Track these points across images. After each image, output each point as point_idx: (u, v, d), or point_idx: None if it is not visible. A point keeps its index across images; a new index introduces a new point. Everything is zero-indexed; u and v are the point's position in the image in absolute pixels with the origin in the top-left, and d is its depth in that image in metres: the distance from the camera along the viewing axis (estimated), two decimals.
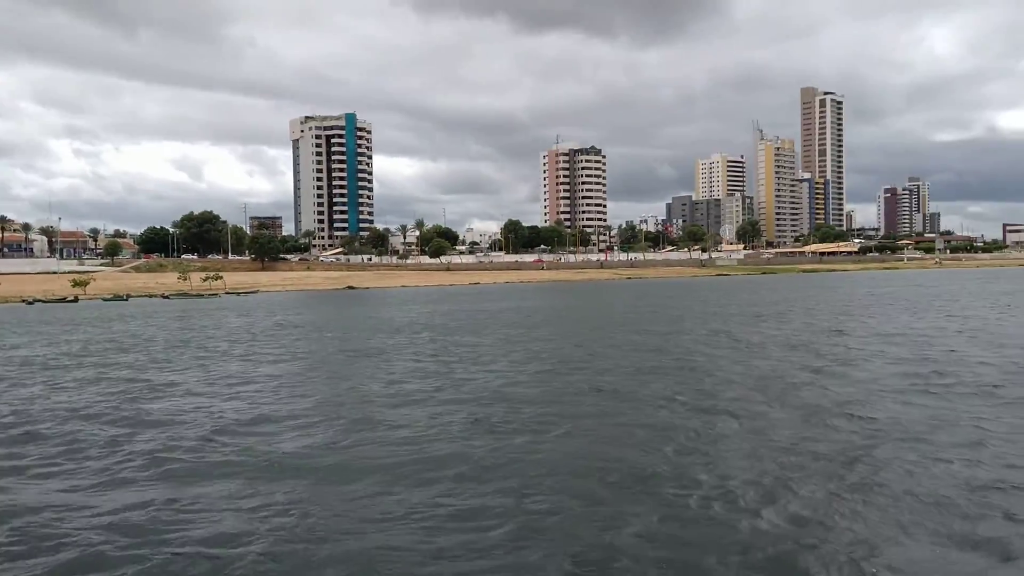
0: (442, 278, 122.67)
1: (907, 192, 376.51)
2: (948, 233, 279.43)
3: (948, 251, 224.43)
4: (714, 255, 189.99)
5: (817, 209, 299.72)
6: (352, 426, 13.45)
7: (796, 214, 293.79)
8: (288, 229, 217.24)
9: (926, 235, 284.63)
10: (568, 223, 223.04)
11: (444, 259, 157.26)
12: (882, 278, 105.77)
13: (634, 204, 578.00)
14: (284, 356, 25.02)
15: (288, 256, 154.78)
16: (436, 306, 54.71)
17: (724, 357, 22.15)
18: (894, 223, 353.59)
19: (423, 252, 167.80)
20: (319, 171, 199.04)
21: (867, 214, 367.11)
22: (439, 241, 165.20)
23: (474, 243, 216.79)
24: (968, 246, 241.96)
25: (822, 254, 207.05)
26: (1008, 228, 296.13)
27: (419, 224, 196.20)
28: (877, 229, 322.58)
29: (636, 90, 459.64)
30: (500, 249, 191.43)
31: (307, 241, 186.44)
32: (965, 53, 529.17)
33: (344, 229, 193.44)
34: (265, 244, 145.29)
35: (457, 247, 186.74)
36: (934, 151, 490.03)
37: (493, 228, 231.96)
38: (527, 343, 27.50)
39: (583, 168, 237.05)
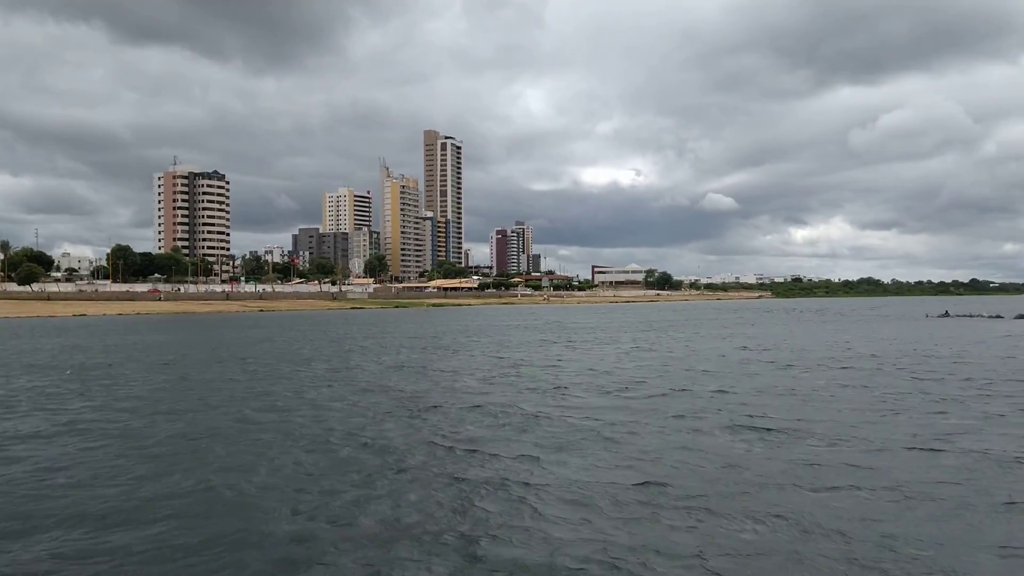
0: (38, 308, 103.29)
1: (515, 234, 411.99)
2: (551, 272, 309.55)
3: (552, 288, 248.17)
4: (345, 288, 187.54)
5: (439, 246, 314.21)
6: None
7: (420, 250, 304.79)
8: None
9: (533, 274, 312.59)
10: (187, 251, 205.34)
11: (37, 287, 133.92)
12: (512, 311, 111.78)
13: (253, 234, 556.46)
14: None
15: None
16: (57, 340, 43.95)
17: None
18: (504, 262, 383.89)
19: (9, 279, 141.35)
20: None
21: (482, 253, 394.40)
22: (30, 266, 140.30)
23: (72, 269, 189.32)
24: (567, 284, 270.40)
25: (446, 289, 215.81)
26: (596, 269, 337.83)
27: (4, 246, 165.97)
28: (491, 267, 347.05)
29: (252, 118, 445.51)
30: (105, 277, 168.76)
31: None
32: (554, 113, 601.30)
33: None
34: None
35: (52, 274, 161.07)
36: (532, 198, 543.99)
37: (89, 253, 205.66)
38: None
39: (204, 193, 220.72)
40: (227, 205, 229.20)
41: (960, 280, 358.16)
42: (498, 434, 13.55)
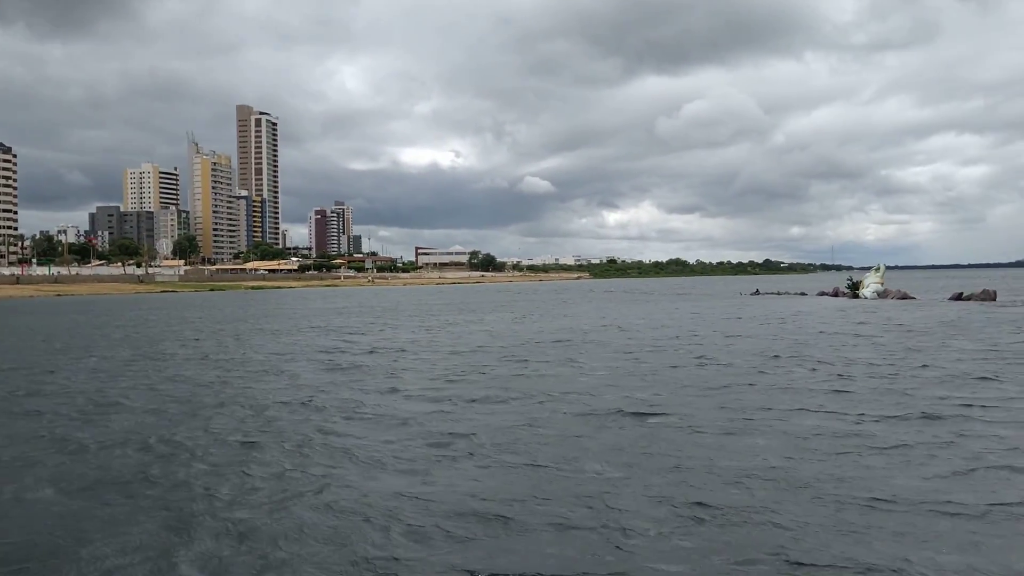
0: None
1: (334, 215, 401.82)
2: (374, 254, 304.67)
3: (376, 270, 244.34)
4: (153, 270, 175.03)
5: (255, 227, 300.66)
6: None
7: (234, 231, 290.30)
8: None
9: (355, 255, 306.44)
10: None
11: None
12: (336, 294, 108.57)
13: (43, 212, 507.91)
14: None
15: None
16: None
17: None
18: (324, 243, 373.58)
19: None
20: None
21: (300, 234, 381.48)
22: None
23: None
24: (392, 266, 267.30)
25: (265, 271, 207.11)
26: (420, 251, 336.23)
27: None
28: (310, 248, 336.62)
29: (39, 85, 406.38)
30: None
31: None
32: (371, 92, 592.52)
33: None
34: None
35: None
36: (351, 178, 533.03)
37: None
38: None
39: None
40: (14, 181, 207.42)
41: (755, 261, 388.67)
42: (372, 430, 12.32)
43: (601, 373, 18.33)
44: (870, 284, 61.34)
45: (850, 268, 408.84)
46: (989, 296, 53.19)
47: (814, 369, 18.34)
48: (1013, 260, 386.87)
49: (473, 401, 14.52)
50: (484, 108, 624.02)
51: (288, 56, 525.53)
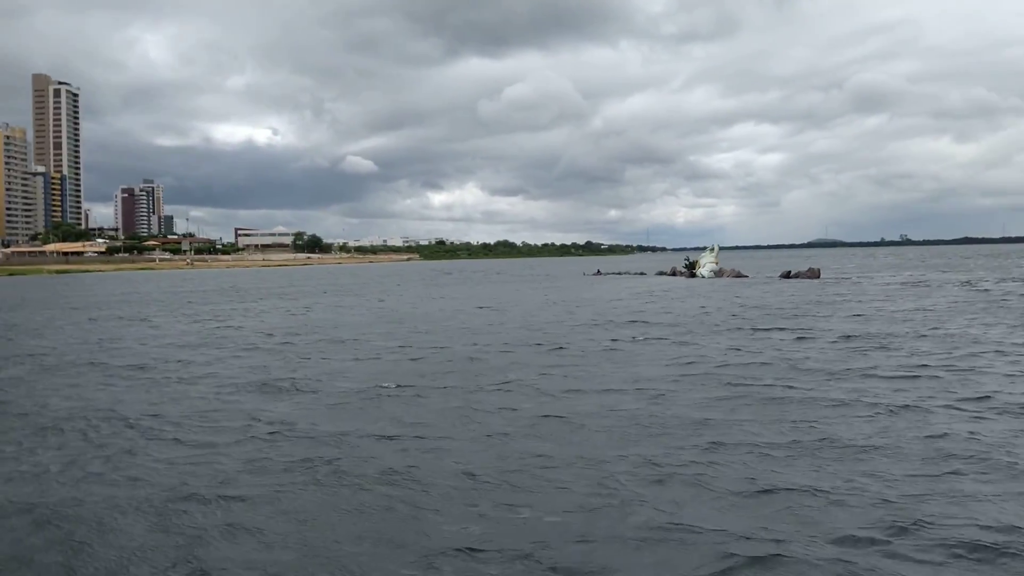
0: None
1: (143, 193, 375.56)
2: (191, 235, 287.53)
3: (194, 252, 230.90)
4: None
5: (54, 206, 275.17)
6: None
7: (30, 210, 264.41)
8: None
9: (170, 236, 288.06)
10: None
11: None
12: (160, 277, 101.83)
13: None
14: None
15: None
16: None
17: None
18: (132, 224, 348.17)
19: None
20: None
21: (105, 214, 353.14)
22: None
23: None
24: (211, 248, 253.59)
25: (67, 254, 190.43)
26: (240, 232, 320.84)
27: None
28: (116, 229, 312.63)
29: None
30: None
31: None
32: (178, 63, 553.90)
33: None
34: None
35: None
36: (158, 155, 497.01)
37: None
38: None
39: None
40: None
41: (578, 242, 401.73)
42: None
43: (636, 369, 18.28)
44: (706, 264, 65.06)
45: (664, 249, 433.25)
46: (814, 274, 58.01)
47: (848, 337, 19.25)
48: (805, 241, 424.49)
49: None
50: (302, 85, 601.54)
51: (83, 21, 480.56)
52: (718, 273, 63.27)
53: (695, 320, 25.87)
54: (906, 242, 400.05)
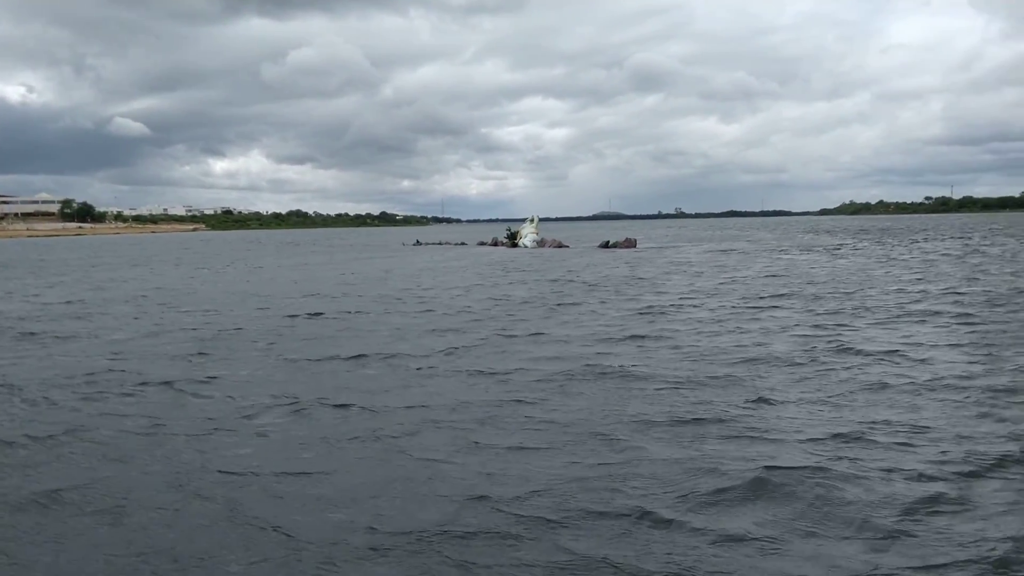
0: None
1: None
2: None
3: None
4: None
5: None
6: None
7: None
8: None
9: None
10: None
11: None
12: None
13: None
14: None
15: None
16: None
17: None
18: None
19: None
20: None
21: None
22: None
23: None
24: None
25: None
26: None
27: None
28: None
29: None
30: None
31: None
32: None
33: None
34: None
35: None
36: None
37: None
38: None
39: None
40: None
41: (372, 213, 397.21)
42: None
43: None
44: (528, 234, 67.57)
45: (459, 221, 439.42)
46: (631, 244, 62.11)
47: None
48: (591, 214, 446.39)
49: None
50: (60, 38, 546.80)
51: None
52: (540, 243, 65.89)
53: (619, 283, 27.35)
54: (680, 215, 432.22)
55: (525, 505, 6.36)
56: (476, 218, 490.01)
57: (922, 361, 12.16)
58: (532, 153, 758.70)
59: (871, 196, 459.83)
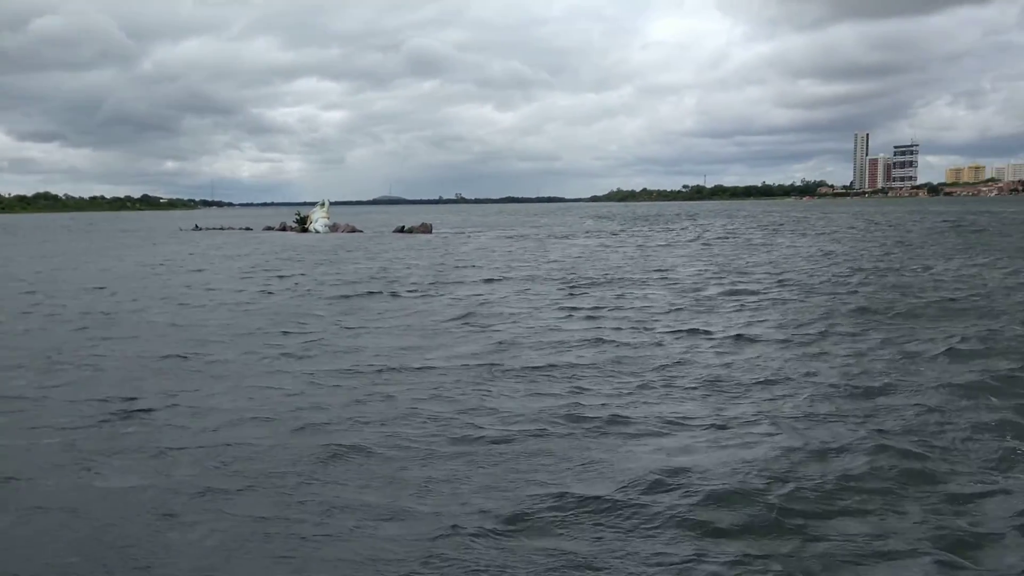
0: None
1: None
2: None
3: None
4: None
5: None
6: None
7: None
8: None
9: None
10: None
11: None
12: None
13: None
14: None
15: None
16: None
17: None
18: None
19: None
20: None
21: None
22: None
23: None
24: None
25: None
26: None
27: None
28: None
29: None
30: None
31: None
32: None
33: None
34: None
35: None
36: None
37: None
38: None
39: None
40: None
41: (133, 196, 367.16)
42: None
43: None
44: (319, 219, 65.35)
45: (231, 205, 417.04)
46: (427, 229, 61.95)
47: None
48: (371, 198, 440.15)
49: None
50: None
51: None
52: (332, 228, 64.08)
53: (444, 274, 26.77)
54: (461, 200, 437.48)
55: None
56: (250, 202, 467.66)
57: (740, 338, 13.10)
58: (308, 135, 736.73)
59: (636, 184, 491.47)
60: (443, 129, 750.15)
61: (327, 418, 8.44)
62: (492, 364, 11.03)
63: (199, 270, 28.97)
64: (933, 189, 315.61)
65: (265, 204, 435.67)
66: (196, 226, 77.88)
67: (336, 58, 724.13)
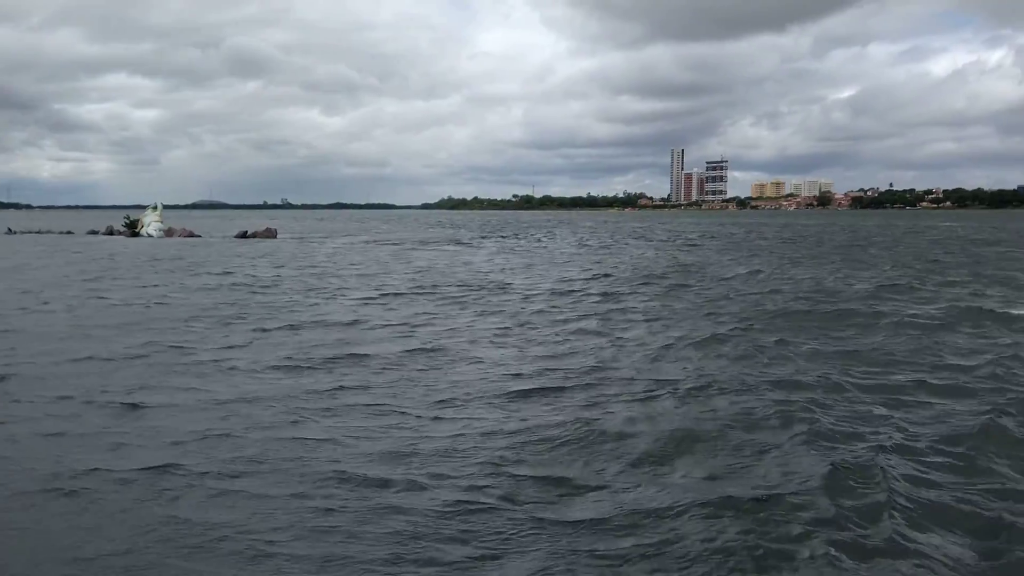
0: None
1: None
2: None
3: None
4: None
5: None
6: None
7: None
8: None
9: None
10: None
11: None
12: None
13: None
14: None
15: None
16: None
17: None
18: None
19: None
20: None
21: None
22: None
23: None
24: None
25: None
26: None
27: None
28: None
29: None
30: None
31: None
32: None
33: None
34: None
35: None
36: None
37: None
38: None
39: None
40: None
41: None
42: None
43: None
44: (151, 223, 60.22)
45: (29, 207, 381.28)
46: (271, 234, 58.71)
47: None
48: (189, 202, 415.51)
49: None
50: None
51: None
52: (167, 232, 59.30)
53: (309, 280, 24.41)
54: (287, 205, 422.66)
55: None
56: (51, 204, 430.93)
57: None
58: (118, 134, 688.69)
59: (466, 192, 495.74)
60: (267, 132, 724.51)
61: None
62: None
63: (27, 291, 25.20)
64: (742, 203, 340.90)
65: (69, 207, 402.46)
66: (9, 229, 69.23)
67: (149, 53, 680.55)
